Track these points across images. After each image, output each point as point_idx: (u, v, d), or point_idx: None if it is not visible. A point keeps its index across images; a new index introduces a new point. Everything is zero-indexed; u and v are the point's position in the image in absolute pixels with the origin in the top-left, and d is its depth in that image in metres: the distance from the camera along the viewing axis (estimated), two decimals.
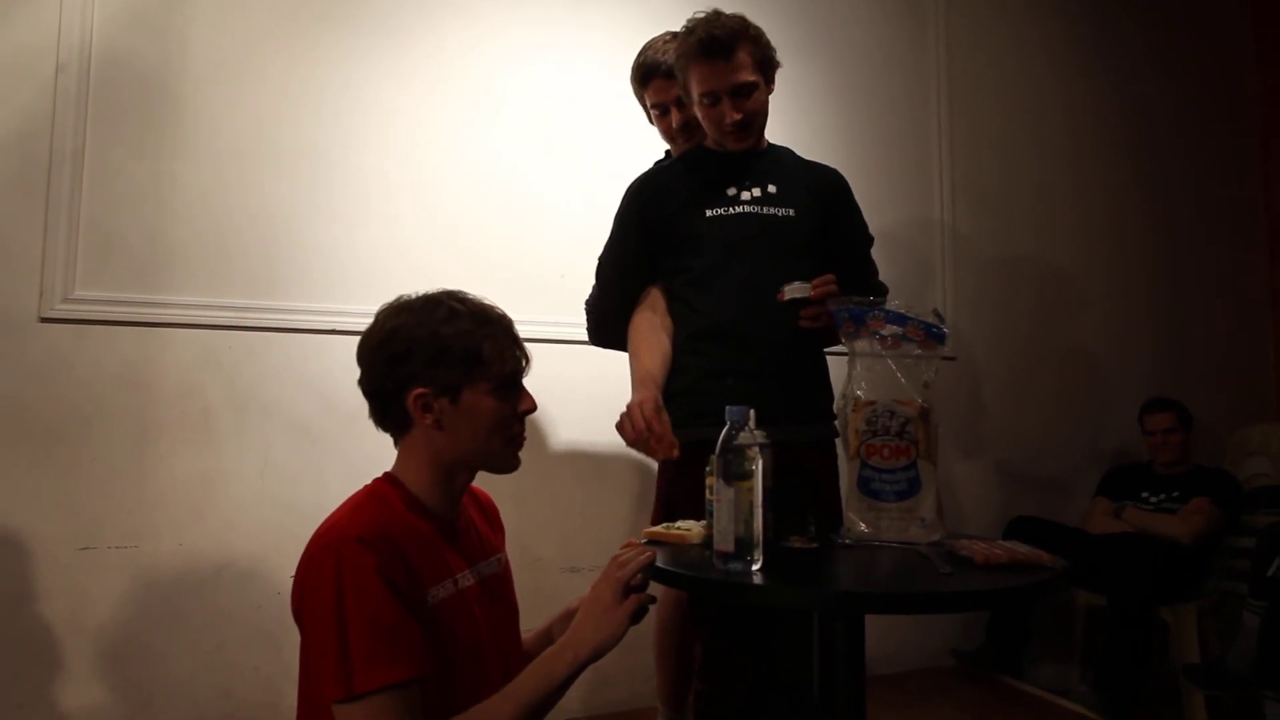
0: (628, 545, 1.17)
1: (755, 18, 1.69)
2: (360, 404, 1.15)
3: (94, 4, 2.12)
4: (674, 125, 1.88)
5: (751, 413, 1.13)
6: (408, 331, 1.11)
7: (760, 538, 1.11)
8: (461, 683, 1.07)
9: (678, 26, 1.72)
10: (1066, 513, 3.00)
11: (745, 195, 1.68)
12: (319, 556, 1.01)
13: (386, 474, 1.16)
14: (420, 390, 1.09)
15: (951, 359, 2.94)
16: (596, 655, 1.06)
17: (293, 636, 1.04)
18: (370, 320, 1.16)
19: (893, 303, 1.40)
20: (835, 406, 1.74)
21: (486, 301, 1.18)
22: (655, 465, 1.76)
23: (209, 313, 2.17)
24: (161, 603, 2.09)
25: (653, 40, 1.91)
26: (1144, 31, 3.48)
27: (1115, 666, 2.44)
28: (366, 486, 1.14)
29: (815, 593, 1.15)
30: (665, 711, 1.89)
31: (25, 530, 2.00)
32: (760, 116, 1.68)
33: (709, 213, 1.67)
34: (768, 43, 1.67)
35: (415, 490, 1.13)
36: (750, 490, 1.10)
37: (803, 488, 1.51)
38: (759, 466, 1.11)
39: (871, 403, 1.35)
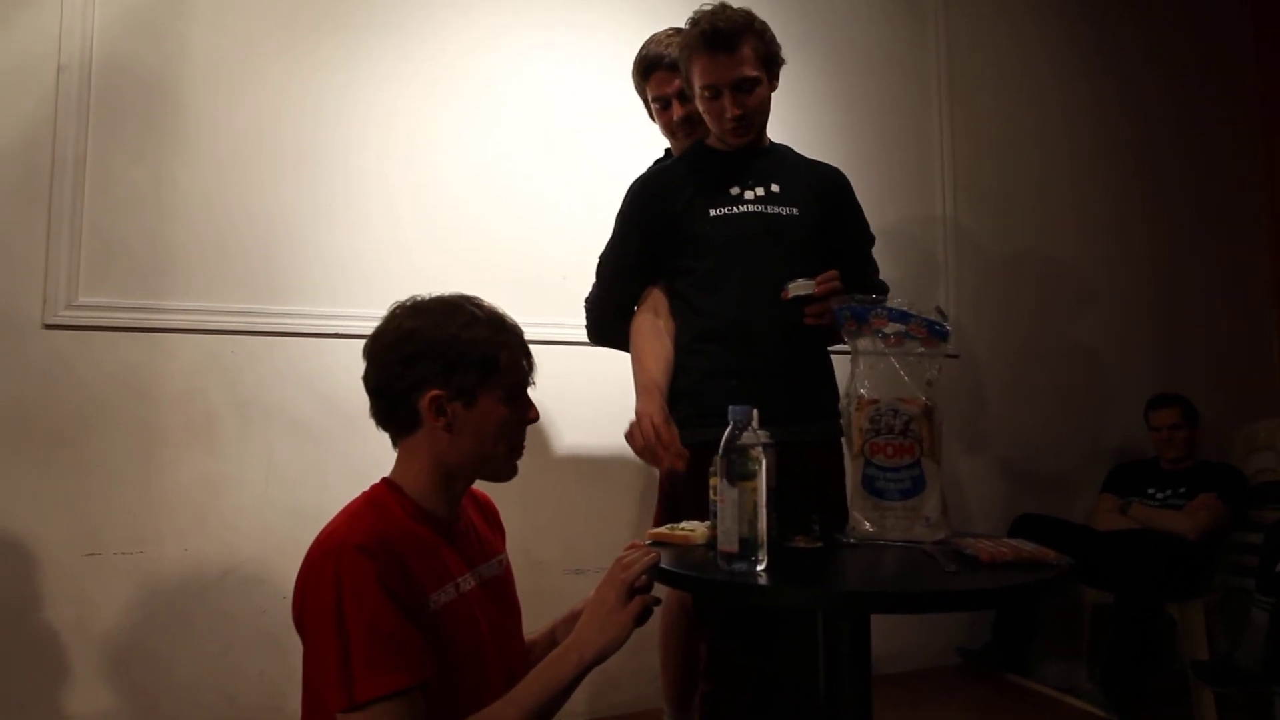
0: (632, 547, 1.17)
1: None
2: (362, 407, 1.15)
3: (94, 9, 2.12)
4: (674, 119, 1.87)
5: (755, 413, 1.13)
6: (426, 333, 1.11)
7: (764, 538, 1.11)
8: (464, 687, 1.06)
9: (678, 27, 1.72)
10: (1071, 509, 2.99)
11: (749, 195, 1.67)
12: (318, 565, 1.01)
13: (385, 479, 1.15)
14: (436, 392, 1.09)
15: (955, 357, 2.94)
16: (601, 657, 1.05)
17: (298, 641, 1.04)
18: (375, 321, 1.16)
19: (895, 301, 1.39)
20: (839, 405, 1.74)
21: (500, 309, 1.18)
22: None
23: (211, 317, 2.17)
24: (167, 608, 2.09)
25: (657, 34, 1.91)
26: (1144, 30, 3.47)
27: (1122, 664, 2.43)
28: (365, 493, 1.14)
29: (820, 593, 1.14)
30: (671, 713, 1.88)
31: (31, 537, 2.00)
32: (762, 113, 1.68)
33: (713, 212, 1.66)
34: (773, 38, 1.65)
35: (414, 494, 1.13)
36: (754, 490, 1.09)
37: (807, 487, 1.51)
38: (763, 466, 1.11)
39: (875, 401, 1.34)
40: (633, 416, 1.55)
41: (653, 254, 1.72)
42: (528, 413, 1.18)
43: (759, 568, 1.10)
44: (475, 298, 1.18)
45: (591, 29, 2.61)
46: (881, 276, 1.85)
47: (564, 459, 2.48)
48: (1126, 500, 2.82)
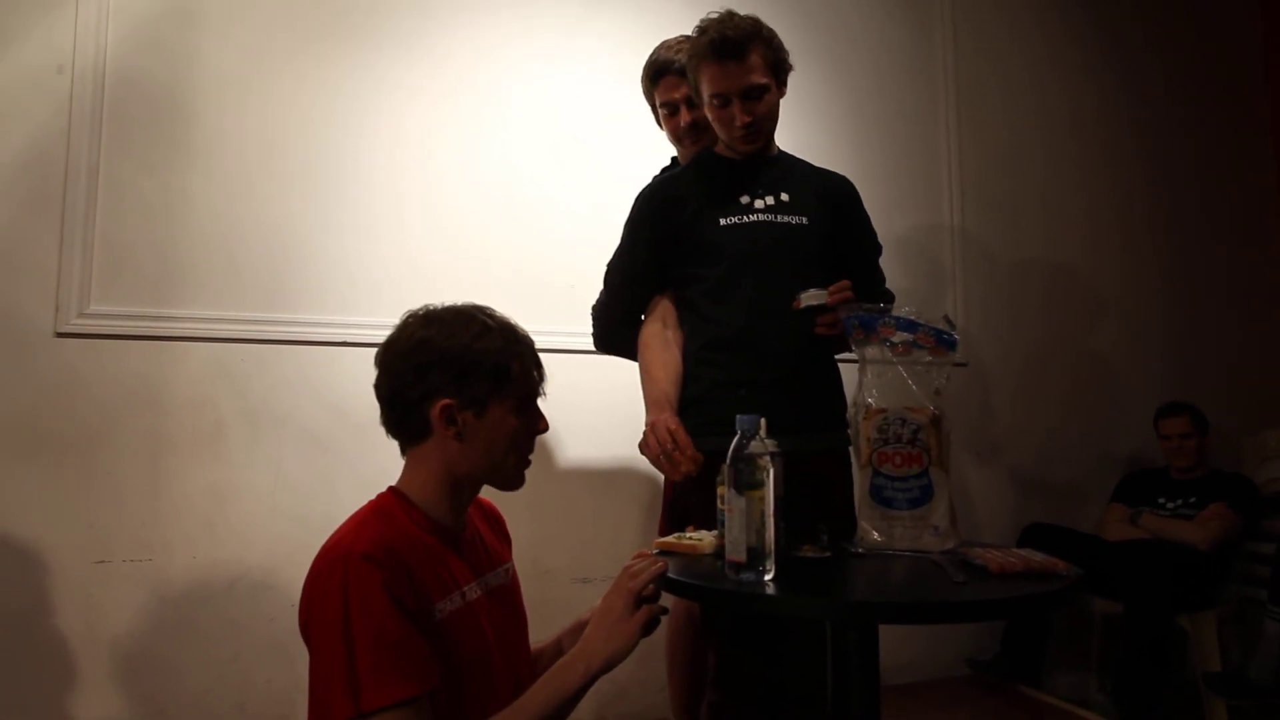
0: (639, 556, 1.16)
1: None
2: (372, 415, 1.15)
3: (107, 23, 2.15)
4: (682, 125, 1.88)
5: (763, 422, 1.13)
6: (439, 342, 1.11)
7: (772, 547, 1.11)
8: (470, 696, 1.06)
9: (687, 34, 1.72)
10: (1081, 519, 2.97)
11: (759, 203, 1.67)
12: (325, 573, 1.01)
13: (391, 488, 1.15)
14: (447, 401, 1.10)
15: (963, 365, 2.93)
16: (608, 666, 1.05)
17: (305, 649, 1.04)
18: (384, 329, 1.17)
19: (903, 309, 1.39)
20: (847, 414, 1.73)
21: (512, 320, 1.19)
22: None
23: (221, 326, 2.19)
24: (176, 616, 2.10)
25: (667, 40, 1.92)
26: (1152, 38, 3.46)
27: (1133, 675, 2.42)
28: (371, 501, 1.14)
29: (828, 603, 1.14)
30: None
31: (40, 544, 2.01)
32: (770, 120, 1.68)
33: (724, 221, 1.66)
34: (780, 45, 1.65)
35: (421, 503, 1.13)
36: (762, 499, 1.09)
37: (815, 496, 1.51)
38: (770, 475, 1.11)
39: (883, 410, 1.34)
40: (643, 427, 1.56)
41: (661, 262, 1.72)
42: (538, 424, 1.19)
43: (766, 577, 1.10)
44: (488, 308, 1.18)
45: (599, 37, 2.62)
46: (890, 285, 1.85)
47: (571, 467, 2.48)
48: (1136, 510, 2.80)
